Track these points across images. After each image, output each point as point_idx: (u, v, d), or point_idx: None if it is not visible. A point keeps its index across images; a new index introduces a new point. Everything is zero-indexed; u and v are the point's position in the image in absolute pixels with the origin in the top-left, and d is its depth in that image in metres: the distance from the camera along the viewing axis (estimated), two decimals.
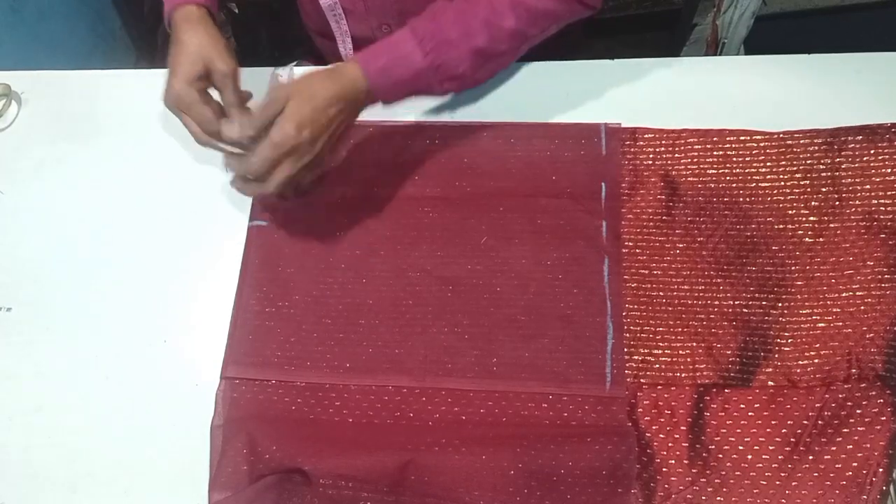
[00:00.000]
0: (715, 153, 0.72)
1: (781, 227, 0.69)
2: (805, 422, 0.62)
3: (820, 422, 0.62)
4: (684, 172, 0.72)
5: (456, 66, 0.68)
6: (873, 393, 0.62)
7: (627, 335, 0.66)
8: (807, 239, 0.69)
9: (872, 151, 0.71)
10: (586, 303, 0.68)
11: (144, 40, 1.55)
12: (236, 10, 1.18)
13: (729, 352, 0.65)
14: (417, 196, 0.73)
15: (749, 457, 0.61)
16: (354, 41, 0.84)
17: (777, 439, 0.62)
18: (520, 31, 0.68)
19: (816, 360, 0.64)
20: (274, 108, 0.62)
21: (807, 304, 0.66)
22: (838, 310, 0.66)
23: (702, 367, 0.65)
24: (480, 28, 0.67)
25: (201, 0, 0.67)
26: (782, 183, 0.71)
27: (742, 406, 0.63)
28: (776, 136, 0.72)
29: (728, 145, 0.73)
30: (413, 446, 0.62)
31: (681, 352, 0.66)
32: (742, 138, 0.73)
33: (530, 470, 0.60)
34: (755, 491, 0.60)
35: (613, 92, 0.77)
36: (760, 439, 0.62)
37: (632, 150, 0.73)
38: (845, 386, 0.63)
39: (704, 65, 0.80)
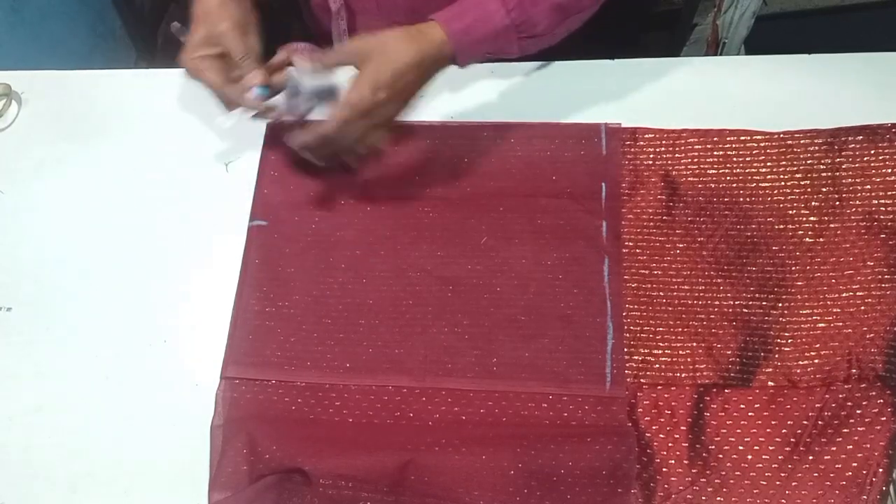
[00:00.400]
0: (715, 153, 0.72)
1: (781, 227, 0.69)
2: (805, 422, 0.62)
3: (820, 422, 0.62)
4: (684, 172, 0.72)
5: (536, 23, 0.67)
6: (873, 393, 0.62)
7: (627, 335, 0.66)
8: (807, 239, 0.69)
9: (873, 151, 0.71)
10: (586, 303, 0.68)
11: (144, 40, 1.55)
12: None
13: (729, 352, 0.65)
14: (417, 196, 0.73)
15: (749, 457, 0.61)
16: None
17: (777, 439, 0.62)
18: None
19: (816, 360, 0.64)
20: (345, 59, 0.64)
21: (807, 304, 0.66)
22: (838, 310, 0.66)
23: (702, 367, 0.65)
24: None
25: None
26: (782, 183, 0.71)
27: (742, 406, 0.63)
28: (776, 136, 0.72)
29: (728, 145, 0.73)
30: (413, 446, 0.62)
31: (681, 352, 0.66)
32: (742, 138, 0.73)
33: (530, 470, 0.60)
34: (755, 491, 0.60)
35: (613, 92, 0.77)
36: (760, 439, 0.62)
37: (632, 150, 0.73)
38: (845, 386, 0.63)
39: (704, 65, 0.80)
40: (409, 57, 0.63)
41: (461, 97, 0.78)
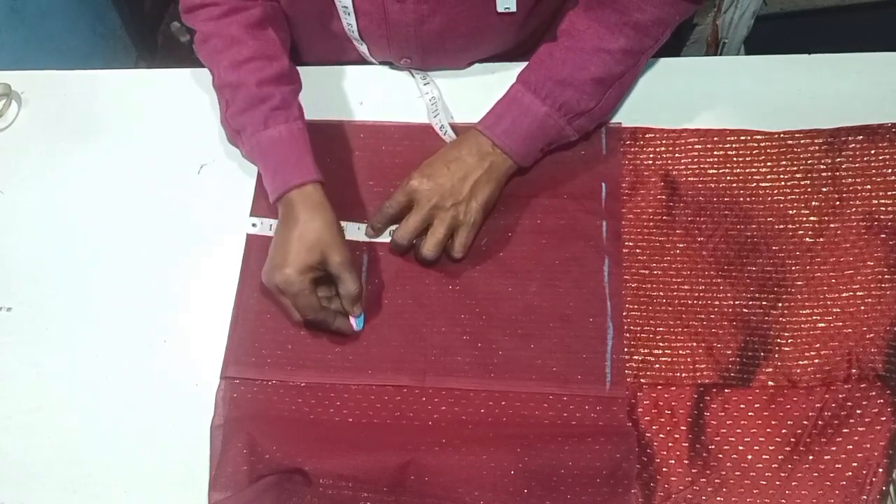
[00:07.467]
0: (715, 153, 0.72)
1: (782, 227, 0.69)
2: (805, 422, 0.62)
3: (820, 422, 0.62)
4: (684, 172, 0.72)
5: (578, 101, 0.68)
6: (873, 393, 0.62)
7: (627, 335, 0.66)
8: (807, 239, 0.69)
9: (873, 151, 0.71)
10: (586, 303, 0.68)
11: (144, 40, 1.55)
12: None
13: (729, 352, 0.65)
14: None
15: (749, 457, 0.61)
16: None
17: (777, 439, 0.62)
18: (632, 48, 0.68)
19: (816, 360, 0.64)
20: (400, 199, 0.68)
21: (807, 304, 0.66)
22: (838, 310, 0.66)
23: (702, 367, 0.65)
24: (590, 58, 0.67)
25: (319, 177, 0.67)
26: (782, 183, 0.71)
27: (742, 406, 0.63)
28: (776, 136, 0.73)
29: (728, 145, 0.73)
30: (413, 446, 0.62)
31: (681, 352, 0.66)
32: (742, 138, 0.73)
33: (530, 470, 0.60)
34: (755, 491, 0.60)
35: None
36: (760, 439, 0.62)
37: (632, 149, 0.73)
38: (845, 386, 0.63)
39: (704, 65, 0.80)
40: (457, 173, 0.67)
41: (461, 98, 0.78)
